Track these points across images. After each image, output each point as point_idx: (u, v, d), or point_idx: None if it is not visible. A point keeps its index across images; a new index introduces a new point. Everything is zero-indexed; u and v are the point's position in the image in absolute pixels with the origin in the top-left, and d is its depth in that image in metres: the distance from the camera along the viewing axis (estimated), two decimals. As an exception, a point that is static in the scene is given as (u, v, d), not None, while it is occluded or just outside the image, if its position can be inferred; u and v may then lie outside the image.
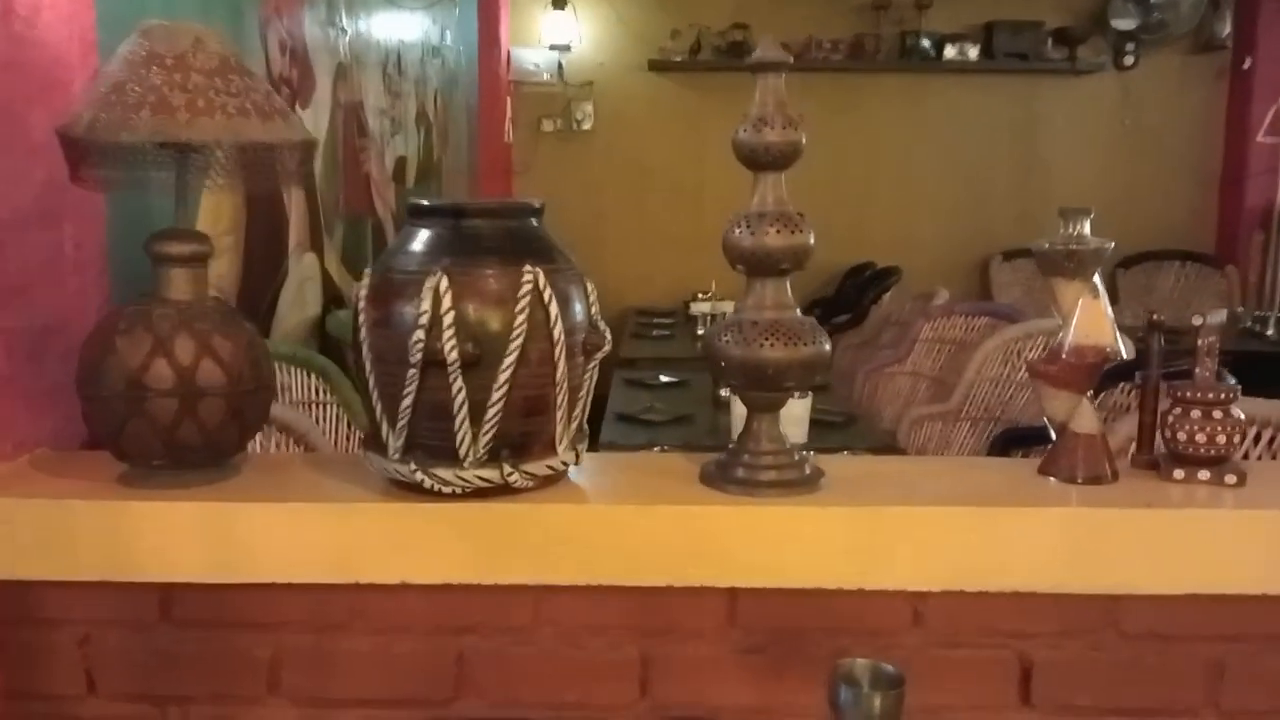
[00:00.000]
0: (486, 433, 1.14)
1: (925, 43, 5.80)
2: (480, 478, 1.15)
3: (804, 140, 1.22)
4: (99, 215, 1.56)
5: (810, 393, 2.67)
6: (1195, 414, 1.27)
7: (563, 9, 5.72)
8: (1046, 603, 1.23)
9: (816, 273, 6.05)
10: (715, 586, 1.23)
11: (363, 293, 1.18)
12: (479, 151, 5.56)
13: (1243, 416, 1.29)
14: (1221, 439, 1.26)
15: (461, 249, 1.16)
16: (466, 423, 1.13)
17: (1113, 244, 1.28)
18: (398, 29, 3.92)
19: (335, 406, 2.26)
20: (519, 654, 1.26)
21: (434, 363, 1.11)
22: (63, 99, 1.39)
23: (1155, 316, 1.32)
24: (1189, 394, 1.27)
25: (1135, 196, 6.04)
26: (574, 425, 1.22)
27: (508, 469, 1.16)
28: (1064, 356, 1.27)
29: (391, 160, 3.83)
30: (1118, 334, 1.26)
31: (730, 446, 1.28)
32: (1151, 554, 1.22)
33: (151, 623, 1.27)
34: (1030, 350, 3.04)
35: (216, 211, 2.25)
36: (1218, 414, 1.26)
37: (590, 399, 1.26)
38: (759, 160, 1.21)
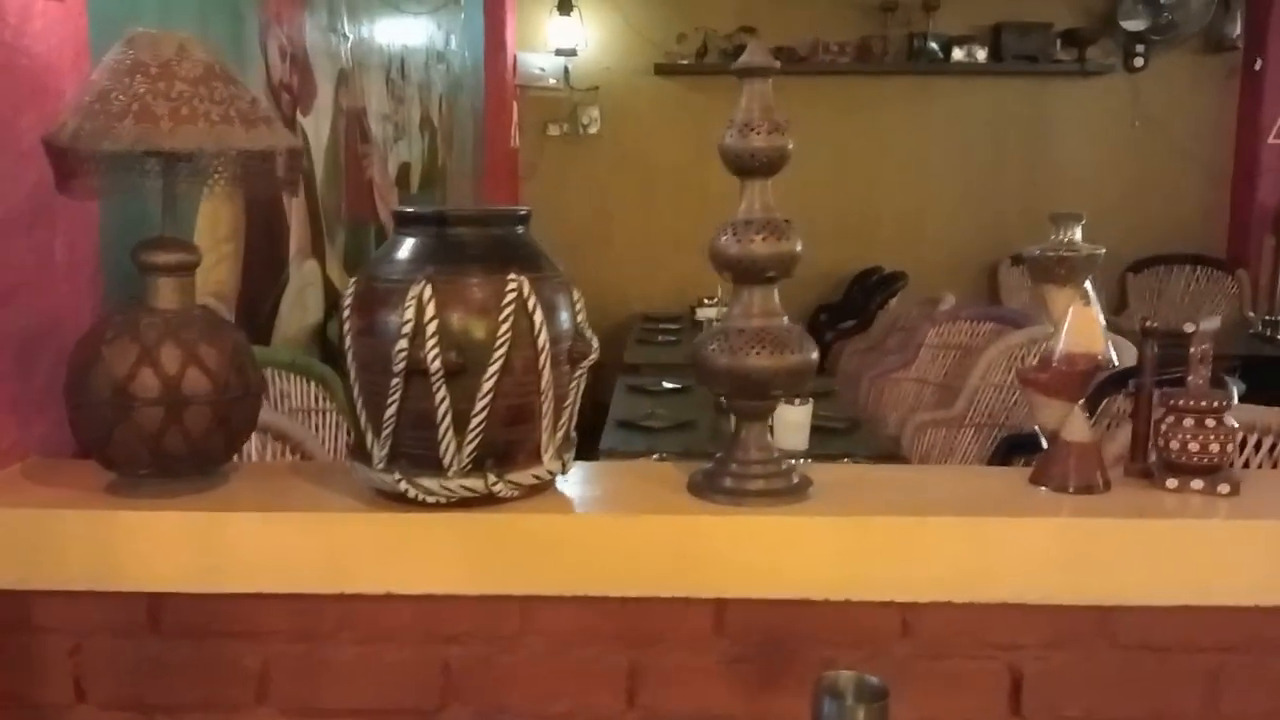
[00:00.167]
0: (470, 442, 1.13)
1: (933, 45, 5.77)
2: (465, 487, 1.15)
3: (791, 145, 1.21)
4: (91, 221, 1.56)
5: (811, 399, 2.66)
6: (1188, 422, 1.25)
7: (569, 13, 5.72)
8: (1037, 613, 1.22)
9: (824, 277, 6.04)
10: (702, 597, 1.22)
11: (348, 301, 1.17)
12: (485, 156, 5.56)
13: (1236, 425, 1.27)
14: (1215, 448, 1.25)
15: (446, 257, 1.15)
16: (450, 432, 1.12)
17: (1104, 250, 1.27)
18: (401, 34, 3.92)
19: (334, 414, 2.26)
20: (506, 663, 1.25)
21: (417, 372, 1.11)
22: (54, 105, 1.39)
23: (1148, 323, 1.31)
24: (1182, 402, 1.26)
25: (1145, 199, 6.00)
26: (560, 434, 1.22)
27: (492, 478, 1.15)
28: (1055, 364, 1.26)
29: (395, 166, 3.84)
30: (1109, 341, 1.25)
31: (718, 456, 1.27)
32: (1144, 564, 1.21)
33: (140, 631, 1.27)
34: (1035, 356, 3.02)
35: (215, 219, 2.25)
36: (1211, 422, 1.25)
37: (577, 407, 1.26)
38: (745, 166, 1.21)
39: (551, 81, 5.88)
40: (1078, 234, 1.26)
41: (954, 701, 1.25)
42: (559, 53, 5.80)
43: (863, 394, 3.65)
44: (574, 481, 1.29)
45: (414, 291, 1.11)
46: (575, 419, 1.26)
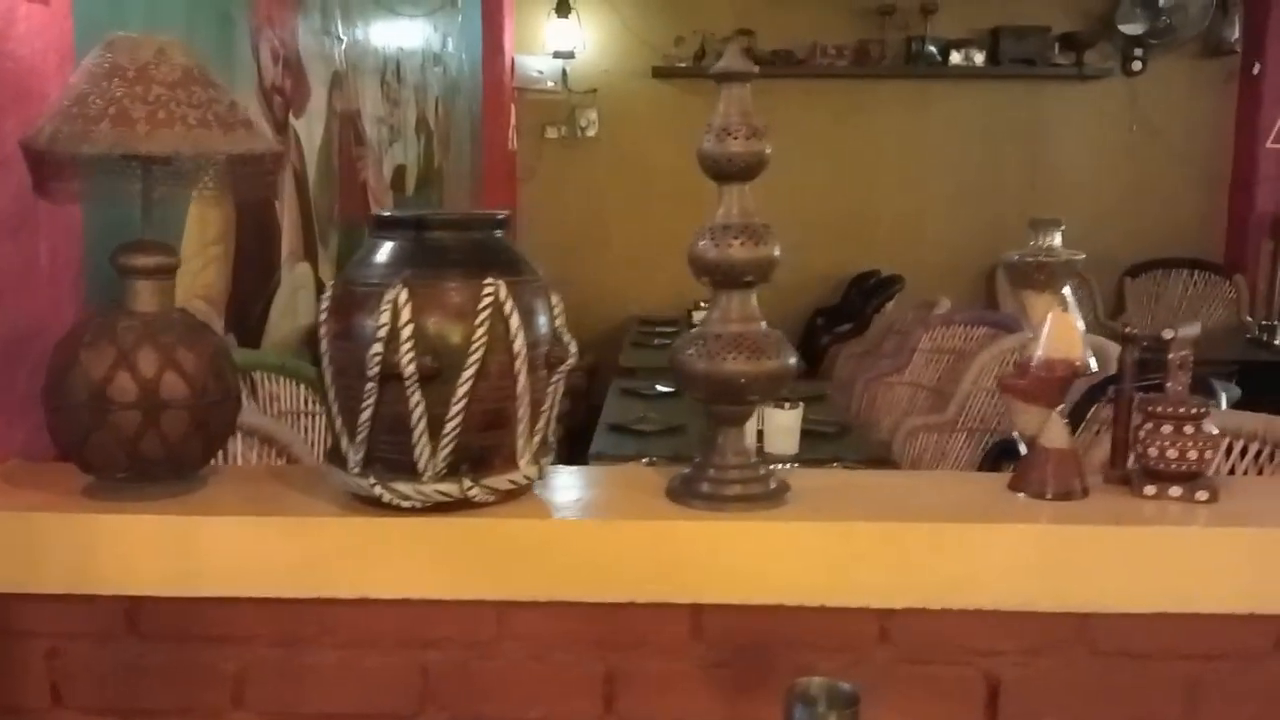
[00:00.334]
0: (445, 447, 1.13)
1: (931, 48, 5.77)
2: (439, 492, 1.15)
3: (769, 150, 1.21)
4: (75, 226, 1.56)
5: (801, 403, 2.66)
6: (1167, 429, 1.25)
7: (567, 16, 5.72)
8: (1015, 620, 1.22)
9: (821, 280, 6.03)
10: (679, 602, 1.22)
11: (325, 304, 1.17)
12: (483, 159, 5.56)
13: (1216, 432, 1.27)
14: (1193, 455, 1.24)
15: (423, 261, 1.15)
16: (425, 436, 1.12)
17: (1083, 256, 1.27)
18: (396, 36, 3.92)
19: (324, 417, 2.25)
20: (484, 668, 1.25)
21: (392, 376, 1.11)
22: (38, 109, 1.39)
23: (1128, 329, 1.31)
24: (1160, 409, 1.25)
25: (1143, 203, 6.00)
26: (537, 439, 1.22)
27: (467, 483, 1.15)
28: (1034, 370, 1.25)
29: (390, 168, 3.84)
30: (1088, 347, 1.25)
31: (696, 461, 1.27)
32: (1121, 571, 1.20)
33: (118, 635, 1.27)
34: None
35: (204, 222, 2.26)
36: (1189, 429, 1.24)
37: (555, 412, 1.26)
38: (723, 171, 1.21)
39: (549, 84, 5.88)
40: (1057, 240, 1.26)
41: (932, 708, 1.25)
42: (557, 55, 5.80)
43: (856, 398, 3.65)
44: (552, 486, 1.29)
45: (390, 295, 1.11)
46: (553, 424, 1.26)
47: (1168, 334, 1.26)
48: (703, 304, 4.89)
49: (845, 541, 1.21)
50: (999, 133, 6.00)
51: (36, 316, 1.44)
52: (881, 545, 1.21)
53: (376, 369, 1.10)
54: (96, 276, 1.57)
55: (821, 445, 2.75)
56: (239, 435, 1.91)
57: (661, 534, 1.21)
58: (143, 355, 1.20)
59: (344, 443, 1.17)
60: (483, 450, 1.16)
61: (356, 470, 1.16)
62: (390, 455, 1.15)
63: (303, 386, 2.31)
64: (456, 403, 1.12)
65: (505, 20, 5.72)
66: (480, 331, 1.12)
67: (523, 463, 1.20)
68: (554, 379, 1.22)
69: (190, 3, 2.26)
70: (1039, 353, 1.25)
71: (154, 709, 1.28)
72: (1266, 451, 1.81)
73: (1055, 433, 1.27)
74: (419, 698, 1.26)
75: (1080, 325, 1.26)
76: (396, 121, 3.92)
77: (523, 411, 1.17)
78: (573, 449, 3.51)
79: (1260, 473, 1.80)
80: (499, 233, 1.22)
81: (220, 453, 1.86)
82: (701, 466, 1.26)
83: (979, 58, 5.76)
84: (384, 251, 1.17)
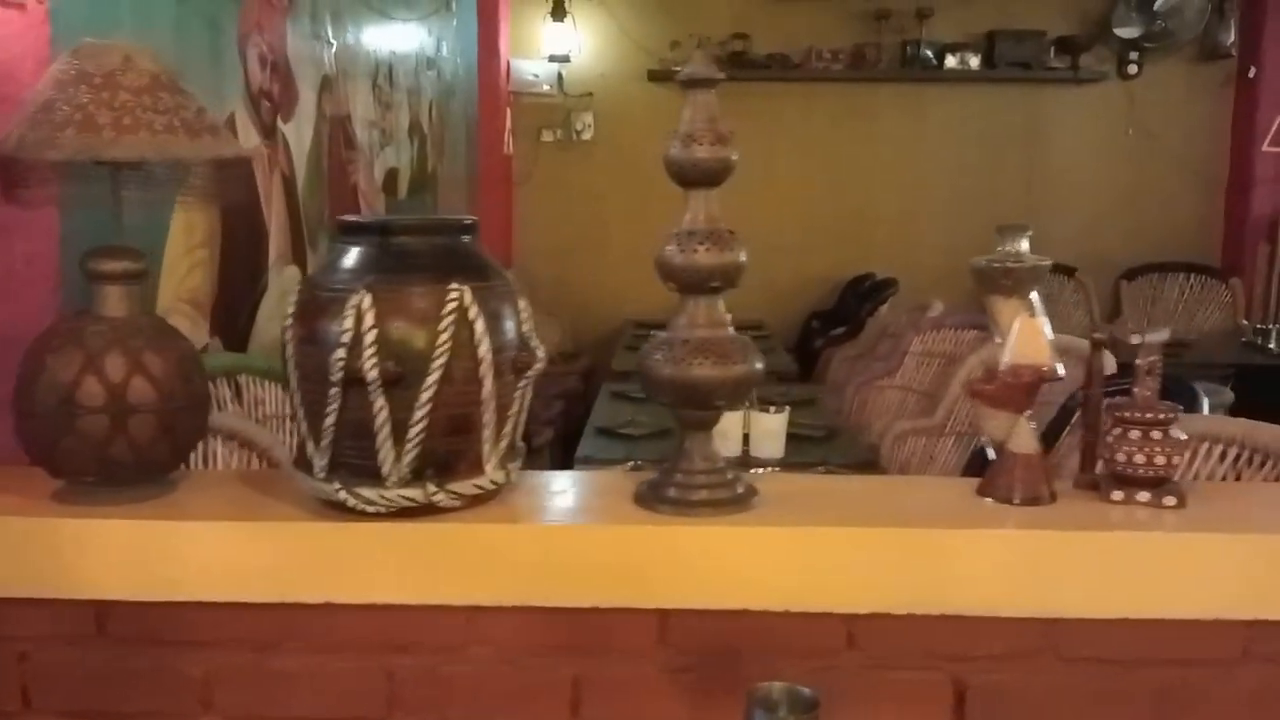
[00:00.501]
0: (409, 452, 1.14)
1: (927, 52, 5.77)
2: (404, 497, 1.15)
3: (735, 156, 1.21)
4: (52, 231, 1.57)
5: (788, 407, 2.66)
6: (1134, 434, 1.25)
7: (562, 20, 5.73)
8: (982, 625, 1.22)
9: (817, 283, 6.04)
10: (646, 607, 1.22)
11: (290, 310, 1.18)
12: (478, 162, 5.57)
13: (1184, 437, 1.27)
14: (1161, 460, 1.24)
15: (388, 266, 1.16)
16: (389, 442, 1.13)
17: (1050, 262, 1.27)
18: (389, 40, 3.93)
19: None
20: (451, 673, 1.25)
21: (355, 381, 1.11)
22: (13, 114, 1.40)
23: (1096, 335, 1.31)
24: (1128, 414, 1.25)
25: (1140, 207, 5.99)
26: (504, 444, 1.22)
27: (432, 488, 1.15)
28: (1001, 376, 1.25)
29: (382, 172, 3.84)
30: (1055, 353, 1.25)
31: (664, 466, 1.27)
32: (1088, 577, 1.20)
33: (88, 639, 1.27)
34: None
35: (189, 226, 2.26)
36: (1157, 434, 1.24)
37: (523, 417, 1.26)
38: (688, 177, 1.21)
39: (545, 87, 5.88)
40: (1024, 245, 1.26)
41: (899, 713, 1.25)
42: (553, 59, 5.81)
43: (847, 402, 3.65)
44: (521, 491, 1.30)
45: (353, 301, 1.11)
46: (521, 428, 1.27)
47: (1135, 339, 1.26)
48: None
49: (811, 546, 1.21)
50: (995, 136, 6.00)
51: (12, 323, 1.44)
52: (848, 550, 1.21)
53: (340, 374, 1.11)
54: (77, 282, 1.58)
55: (808, 449, 2.75)
56: (219, 439, 1.92)
57: (627, 539, 1.21)
58: (110, 360, 1.20)
59: (309, 447, 1.17)
60: (448, 455, 1.17)
61: (322, 475, 1.17)
62: (355, 460, 1.15)
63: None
64: (420, 408, 1.12)
65: (500, 24, 5.72)
66: (444, 337, 1.12)
67: (489, 467, 1.20)
68: (521, 384, 1.22)
69: (177, 8, 2.26)
70: (1006, 358, 1.25)
71: (124, 712, 1.28)
72: (1245, 456, 1.81)
73: (1023, 438, 1.27)
74: (387, 702, 1.26)
75: (1047, 331, 1.26)
76: (389, 125, 3.92)
77: (489, 416, 1.17)
78: (566, 452, 3.51)
79: (1239, 477, 1.79)
80: (466, 238, 1.22)
81: (201, 456, 1.89)
82: (669, 471, 1.26)
83: (974, 61, 5.75)
84: (349, 257, 1.17)
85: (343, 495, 1.15)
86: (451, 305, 1.13)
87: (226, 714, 1.27)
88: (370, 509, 1.15)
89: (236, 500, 1.29)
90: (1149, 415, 1.25)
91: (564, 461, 3.40)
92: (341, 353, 1.10)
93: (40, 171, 1.22)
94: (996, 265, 1.25)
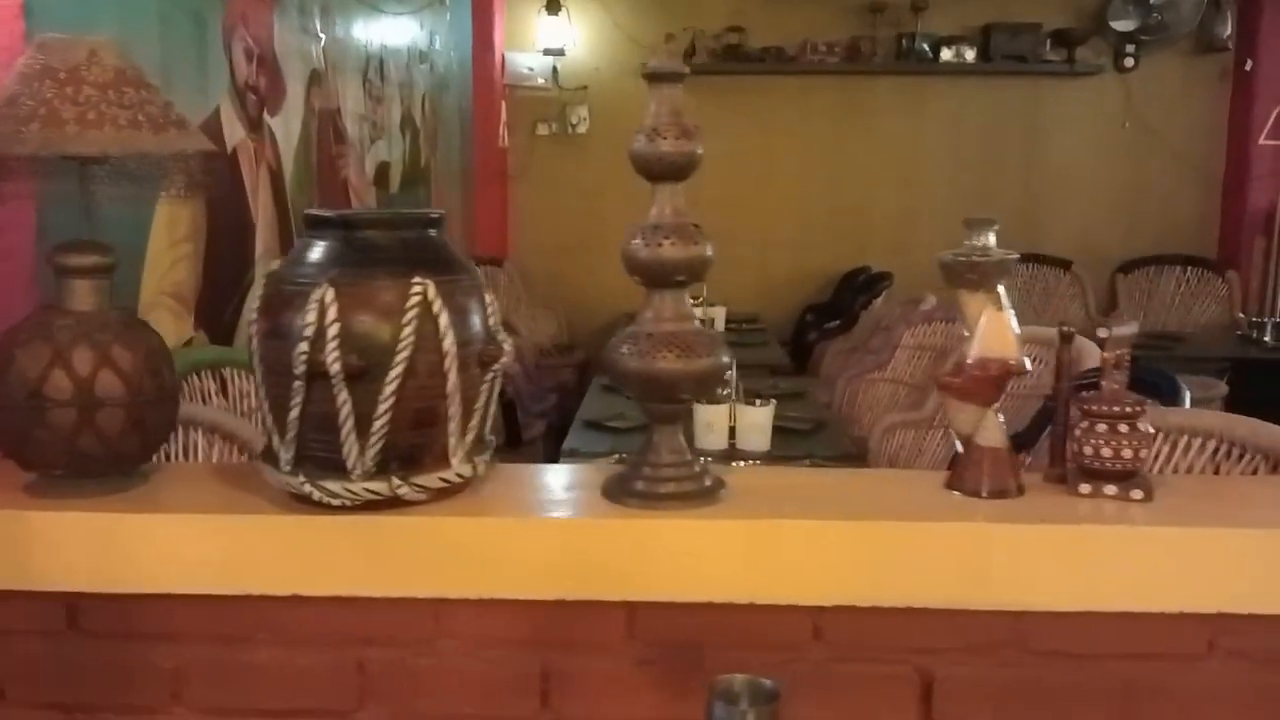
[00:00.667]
0: (373, 445, 1.14)
1: (923, 45, 5.76)
2: (369, 490, 1.15)
3: (700, 151, 1.21)
4: (28, 226, 1.57)
5: (773, 400, 2.66)
6: (1101, 428, 1.25)
7: (557, 14, 5.72)
8: (949, 618, 1.22)
9: (813, 277, 6.04)
10: (613, 600, 1.23)
11: (255, 304, 1.18)
12: (473, 156, 5.57)
13: (1152, 430, 1.27)
14: (1128, 453, 1.24)
15: (353, 261, 1.16)
16: (353, 435, 1.13)
17: (1016, 256, 1.27)
18: (380, 34, 3.93)
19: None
20: (420, 666, 1.26)
21: (319, 375, 1.11)
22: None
23: (1065, 329, 1.31)
24: (1095, 407, 1.25)
25: (1137, 200, 5.98)
26: (470, 437, 1.22)
27: (396, 481, 1.16)
28: (968, 369, 1.25)
29: (373, 166, 3.84)
30: (1022, 346, 1.25)
31: (632, 459, 1.28)
32: (1054, 570, 1.21)
33: (59, 632, 1.27)
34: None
35: (172, 220, 2.27)
36: (1124, 428, 1.24)
37: (492, 410, 1.26)
38: (653, 171, 1.21)
39: (540, 81, 5.88)
40: (991, 239, 1.26)
41: (865, 705, 1.25)
42: (547, 52, 5.80)
43: (838, 395, 3.65)
44: (490, 484, 1.30)
45: (316, 295, 1.11)
46: (490, 421, 1.27)
47: (1102, 333, 1.26)
48: (691, 300, 4.92)
49: (777, 539, 1.21)
50: (991, 129, 5.99)
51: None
52: (814, 543, 1.21)
53: (303, 368, 1.11)
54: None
55: (795, 442, 2.75)
56: (200, 432, 1.92)
57: (594, 532, 1.22)
58: (78, 354, 1.20)
59: (275, 441, 1.18)
60: (413, 449, 1.17)
61: (287, 469, 1.17)
62: (320, 454, 1.15)
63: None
64: (384, 401, 1.12)
65: (495, 17, 5.72)
66: (407, 331, 1.12)
67: (456, 461, 1.20)
68: (488, 377, 1.22)
69: (159, 2, 2.27)
70: (973, 352, 1.25)
71: (97, 704, 1.29)
72: (1224, 449, 1.81)
73: (990, 431, 1.27)
74: (357, 694, 1.26)
75: (1014, 324, 1.26)
76: (380, 119, 3.93)
77: (454, 410, 1.18)
78: (559, 445, 3.51)
79: (1217, 471, 1.79)
80: (432, 232, 1.22)
81: (181, 449, 1.90)
82: (637, 465, 1.26)
83: (970, 55, 5.74)
84: (314, 251, 1.17)
85: (308, 488, 1.15)
86: (415, 299, 1.13)
87: (198, 706, 1.28)
88: (335, 502, 1.16)
89: (206, 493, 1.29)
90: (1116, 408, 1.25)
91: (556, 454, 3.41)
92: (305, 346, 1.11)
93: (9, 166, 1.22)
94: (962, 259, 1.25)
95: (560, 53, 5.79)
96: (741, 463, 2.52)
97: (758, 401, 2.59)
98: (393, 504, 1.18)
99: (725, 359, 1.23)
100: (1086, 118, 5.93)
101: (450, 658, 1.25)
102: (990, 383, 1.25)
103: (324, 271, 1.14)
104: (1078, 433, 1.26)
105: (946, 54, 5.74)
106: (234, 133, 2.60)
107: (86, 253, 1.24)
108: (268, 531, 1.20)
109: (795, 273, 6.05)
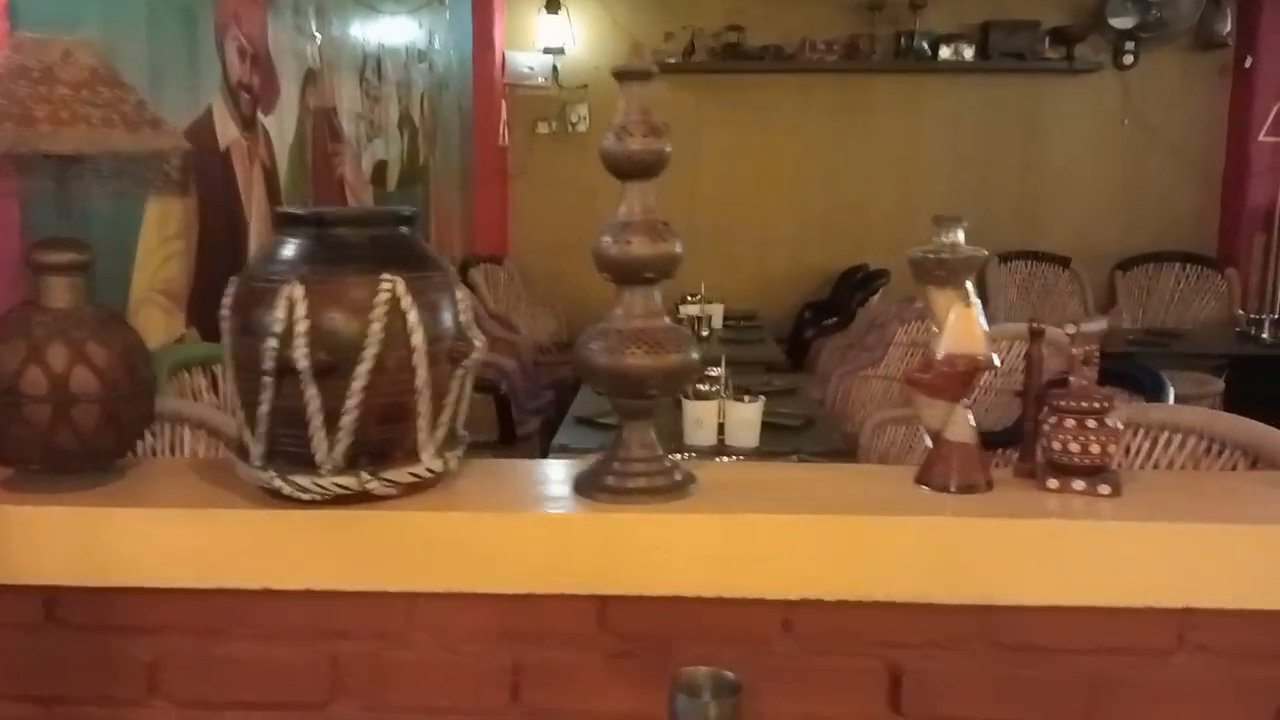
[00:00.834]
0: (343, 440, 1.15)
1: (921, 43, 5.76)
2: (338, 485, 1.17)
3: (668, 149, 1.22)
4: (11, 223, 1.59)
5: (762, 397, 2.67)
6: (1070, 423, 1.26)
7: (556, 12, 5.74)
8: (918, 612, 1.23)
9: (812, 274, 6.05)
10: (584, 594, 1.24)
11: (227, 301, 1.19)
12: (473, 154, 5.59)
13: (1120, 426, 1.28)
14: (1096, 448, 1.25)
15: (323, 258, 1.17)
16: (321, 430, 1.14)
17: (985, 253, 1.28)
18: (377, 33, 3.94)
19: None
20: (393, 659, 1.27)
21: (288, 370, 1.12)
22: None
23: (1035, 324, 1.31)
24: (1064, 403, 1.26)
25: (1136, 197, 5.98)
26: (441, 432, 1.23)
27: (366, 476, 1.17)
28: (937, 365, 1.26)
29: (370, 164, 3.86)
30: (990, 343, 1.26)
31: (603, 454, 1.29)
32: (1022, 564, 1.21)
33: (37, 625, 1.29)
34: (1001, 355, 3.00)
35: (163, 217, 2.28)
36: (1092, 423, 1.25)
37: (463, 405, 1.27)
38: (622, 169, 1.22)
39: (540, 80, 5.90)
40: (959, 236, 1.27)
41: (834, 699, 1.26)
42: (547, 51, 5.82)
43: (831, 391, 3.65)
44: (462, 479, 1.31)
45: (285, 291, 1.12)
46: (461, 417, 1.28)
47: (1070, 329, 1.26)
48: (689, 297, 4.93)
49: (746, 533, 1.22)
50: (990, 127, 6.00)
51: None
52: (783, 537, 1.22)
53: (273, 363, 1.12)
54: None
55: (785, 438, 2.76)
56: (187, 428, 1.94)
57: (564, 526, 1.23)
58: (53, 350, 1.22)
59: (247, 436, 1.19)
60: (383, 444, 1.18)
61: (259, 464, 1.18)
62: (290, 449, 1.16)
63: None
64: (352, 397, 1.13)
65: (495, 16, 5.74)
66: (376, 327, 1.13)
67: (426, 456, 1.21)
68: (458, 373, 1.23)
69: (150, 1, 2.28)
70: (942, 348, 1.26)
71: (75, 697, 1.30)
72: (1203, 445, 1.81)
73: (959, 427, 1.27)
74: (330, 687, 1.27)
75: (982, 321, 1.26)
76: (377, 118, 3.94)
77: (423, 406, 1.19)
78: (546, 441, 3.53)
79: (1197, 466, 1.80)
80: (404, 229, 1.23)
81: (168, 444, 1.91)
82: (608, 460, 1.27)
83: (969, 52, 5.75)
84: (286, 248, 1.19)
85: (278, 483, 1.16)
86: (384, 295, 1.14)
87: (174, 699, 1.29)
88: (305, 496, 1.17)
89: (181, 488, 1.30)
90: (1084, 404, 1.25)
91: (543, 449, 3.43)
92: (274, 342, 1.12)
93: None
94: (931, 256, 1.25)
95: (560, 51, 5.81)
96: (727, 458, 2.53)
97: (746, 398, 2.60)
98: (363, 499, 1.19)
99: (695, 355, 1.24)
100: (1085, 115, 5.93)
101: (422, 651, 1.27)
102: (958, 379, 1.26)
103: (294, 269, 1.15)
104: (1047, 428, 1.27)
105: (945, 52, 5.75)
106: (227, 131, 2.61)
107: (63, 250, 1.25)
108: (238, 526, 1.21)
109: (794, 270, 6.06)
